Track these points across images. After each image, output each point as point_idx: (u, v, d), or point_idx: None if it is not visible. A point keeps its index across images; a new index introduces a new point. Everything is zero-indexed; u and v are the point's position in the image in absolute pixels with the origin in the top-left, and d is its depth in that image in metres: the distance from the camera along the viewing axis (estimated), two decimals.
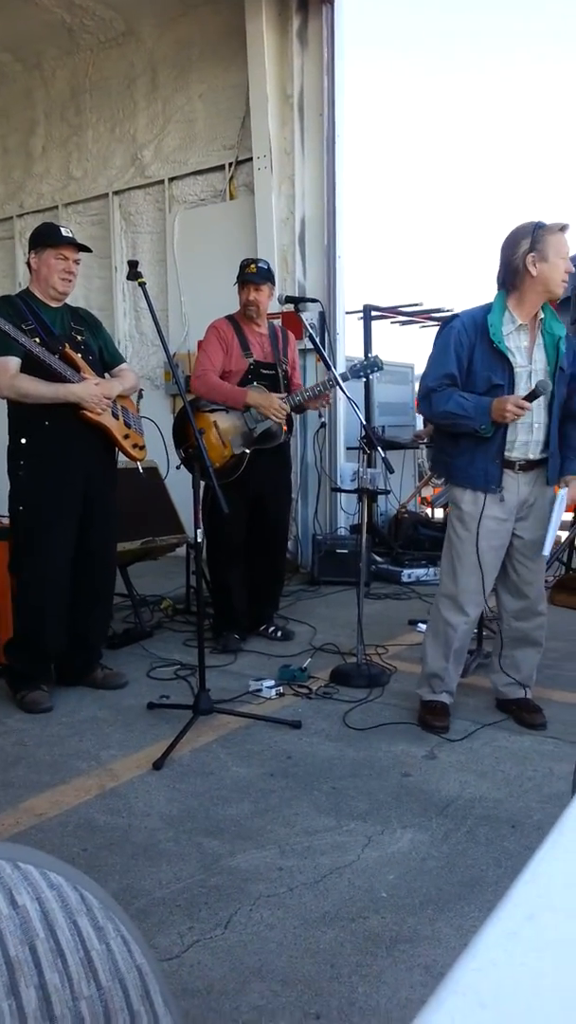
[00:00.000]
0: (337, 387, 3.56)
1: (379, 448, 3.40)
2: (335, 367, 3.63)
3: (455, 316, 2.76)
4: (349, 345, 6.11)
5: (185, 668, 3.46)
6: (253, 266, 3.83)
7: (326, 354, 3.74)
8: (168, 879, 1.89)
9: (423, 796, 2.30)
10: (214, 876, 1.90)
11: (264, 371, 3.80)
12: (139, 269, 2.90)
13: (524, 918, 0.55)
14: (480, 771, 2.47)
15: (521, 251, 2.59)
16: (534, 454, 2.69)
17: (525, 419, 2.61)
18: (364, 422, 3.60)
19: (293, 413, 3.84)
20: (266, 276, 3.83)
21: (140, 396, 4.06)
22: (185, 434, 3.67)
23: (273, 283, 3.91)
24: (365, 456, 3.55)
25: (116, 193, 6.78)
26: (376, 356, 3.80)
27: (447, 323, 2.74)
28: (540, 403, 2.63)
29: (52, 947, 0.58)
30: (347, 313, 6.06)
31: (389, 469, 3.35)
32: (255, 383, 3.73)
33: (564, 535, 5.25)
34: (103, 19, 6.38)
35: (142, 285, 2.87)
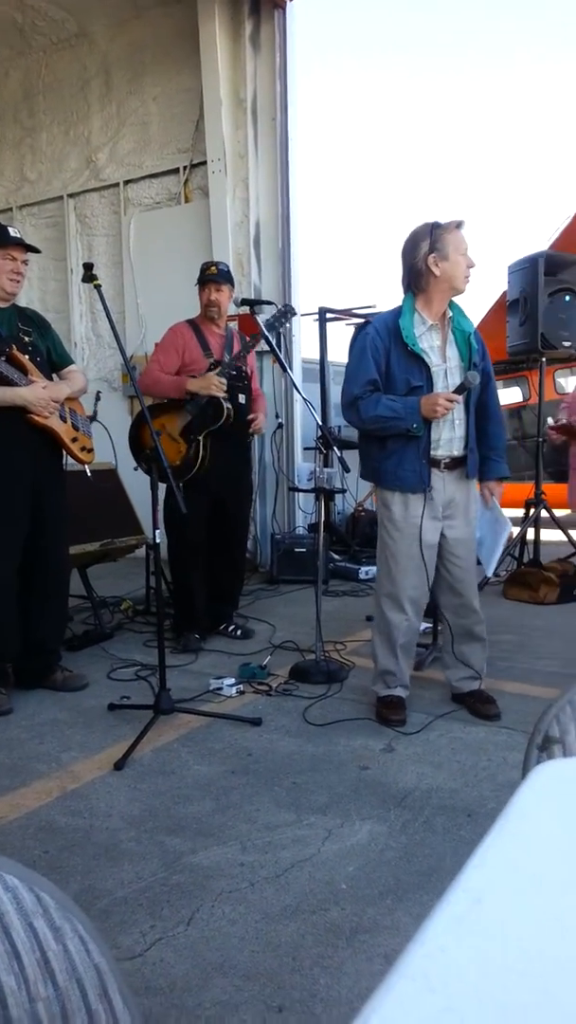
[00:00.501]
0: (294, 387, 3.60)
1: (335, 448, 3.44)
2: (291, 369, 3.66)
3: (366, 323, 2.82)
4: (304, 347, 6.16)
5: (145, 668, 3.46)
6: (214, 268, 3.87)
7: (282, 356, 3.77)
8: (130, 878, 1.90)
9: (381, 788, 2.35)
10: (176, 874, 1.92)
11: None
12: (94, 271, 2.89)
13: (471, 903, 0.58)
14: (436, 762, 2.53)
15: (422, 253, 2.65)
16: (457, 451, 2.74)
17: (448, 416, 2.67)
18: (320, 422, 3.64)
19: (234, 382, 3.77)
20: (227, 277, 3.87)
21: (98, 398, 4.04)
22: (141, 442, 3.67)
23: (232, 285, 3.94)
24: (322, 456, 3.58)
25: (71, 196, 6.75)
26: (289, 304, 3.85)
27: (360, 330, 2.80)
28: (459, 399, 2.69)
29: (7, 949, 0.59)
30: (302, 315, 6.10)
31: (345, 468, 3.39)
32: None
33: (516, 531, 5.37)
34: (55, 20, 6.33)
35: (98, 288, 2.87)
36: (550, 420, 3.21)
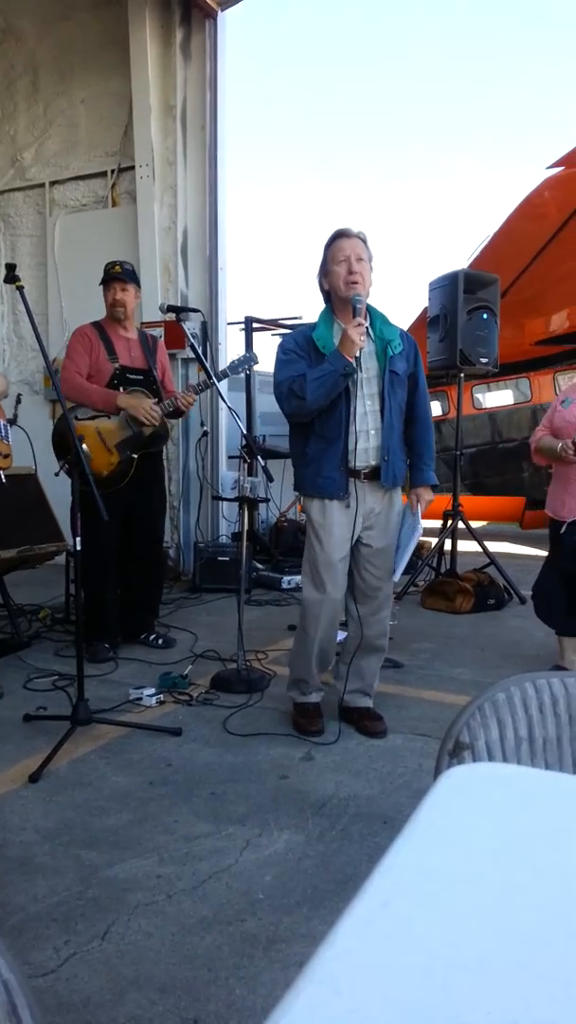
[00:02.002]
0: (219, 396, 3.60)
1: (260, 457, 3.47)
2: (216, 377, 3.65)
3: (284, 337, 2.88)
4: (230, 355, 6.17)
5: (64, 678, 3.39)
6: (118, 267, 3.78)
7: (208, 364, 3.77)
8: (44, 893, 1.87)
9: (300, 797, 2.37)
10: (91, 888, 1.89)
11: (131, 375, 3.75)
12: (17, 272, 2.83)
13: (379, 906, 0.59)
14: (354, 770, 2.56)
15: (319, 274, 2.79)
16: (374, 460, 2.76)
17: (363, 426, 2.71)
18: (245, 431, 3.65)
19: (170, 418, 3.83)
20: (131, 276, 3.79)
21: (19, 401, 3.97)
22: (65, 444, 3.59)
23: (138, 285, 3.86)
24: (246, 465, 3.59)
25: None
26: (252, 352, 3.84)
27: (280, 346, 2.82)
28: (374, 409, 2.73)
29: None
30: (229, 324, 6.12)
31: (269, 478, 3.42)
32: (122, 388, 3.69)
33: (433, 541, 5.50)
34: None
35: (20, 289, 2.81)
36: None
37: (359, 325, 2.58)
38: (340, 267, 2.69)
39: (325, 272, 2.76)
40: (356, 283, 2.67)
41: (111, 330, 3.78)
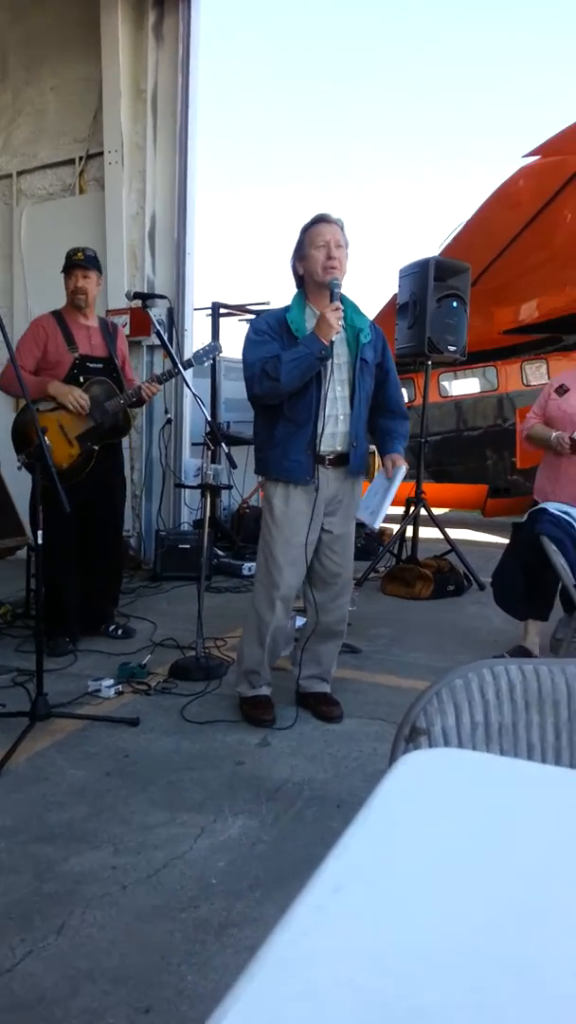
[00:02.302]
0: (184, 383, 3.56)
1: (223, 444, 3.44)
2: (182, 365, 3.61)
3: (256, 318, 2.85)
4: (197, 342, 6.11)
5: (23, 674, 3.33)
6: (80, 253, 3.70)
7: (173, 351, 3.72)
8: (0, 891, 1.83)
9: (255, 783, 2.36)
10: (47, 883, 1.86)
11: (91, 364, 3.68)
12: None
13: (332, 891, 0.59)
14: (310, 755, 2.56)
15: (293, 258, 2.76)
16: (341, 446, 2.75)
17: (331, 411, 2.70)
18: (209, 418, 3.62)
19: (132, 408, 3.77)
20: (94, 263, 3.71)
21: None
22: (25, 437, 3.51)
23: (100, 272, 3.79)
24: (209, 452, 3.56)
25: None
26: (216, 342, 3.79)
27: (251, 326, 2.80)
28: (344, 395, 2.72)
29: None
30: (195, 310, 6.07)
31: (232, 465, 3.39)
32: (82, 377, 3.62)
33: (395, 528, 5.53)
34: None
35: None
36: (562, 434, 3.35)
37: (336, 309, 2.57)
38: (319, 252, 2.67)
39: (301, 256, 2.72)
40: (335, 268, 2.66)
41: (71, 319, 3.71)
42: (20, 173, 6.21)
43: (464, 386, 9.52)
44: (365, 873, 0.62)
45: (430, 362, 5.34)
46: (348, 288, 2.75)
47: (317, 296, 2.73)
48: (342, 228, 2.72)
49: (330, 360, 2.65)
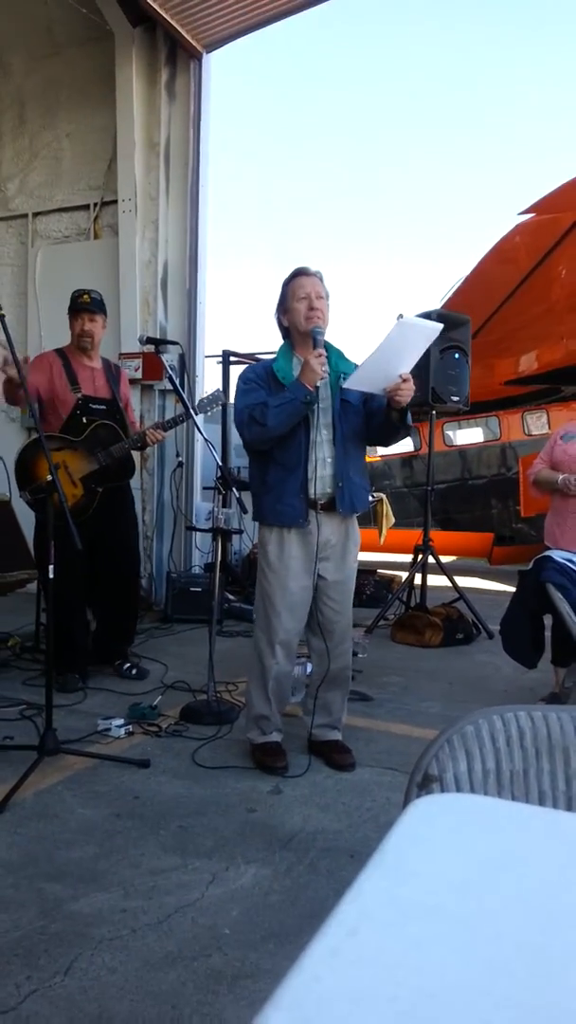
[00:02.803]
0: (195, 427, 3.62)
1: (234, 488, 3.49)
2: (194, 410, 3.68)
3: (246, 368, 2.93)
4: (207, 388, 6.22)
5: (32, 708, 3.35)
6: (87, 296, 3.75)
7: (185, 396, 3.79)
8: (6, 927, 1.83)
9: (267, 831, 2.35)
10: (55, 922, 1.86)
11: (94, 405, 3.72)
12: None
13: (346, 934, 0.60)
14: (323, 804, 2.55)
15: (278, 311, 2.86)
16: (330, 488, 2.78)
17: (319, 455, 2.75)
18: (220, 463, 3.67)
19: (136, 451, 3.81)
20: (100, 307, 3.77)
21: None
22: (29, 474, 3.56)
23: (106, 315, 3.84)
24: (220, 496, 3.61)
25: None
26: (219, 391, 3.85)
27: (240, 377, 2.88)
28: (329, 438, 2.77)
29: None
30: (206, 357, 6.19)
31: (243, 509, 3.43)
32: (84, 418, 3.66)
33: (403, 576, 5.54)
34: None
35: (1, 318, 2.81)
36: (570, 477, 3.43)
37: (320, 355, 2.63)
38: (301, 304, 2.76)
39: (285, 309, 2.83)
40: (317, 317, 2.74)
41: (75, 359, 3.76)
42: (36, 215, 6.41)
43: (468, 435, 9.62)
44: (379, 917, 0.63)
45: (434, 412, 5.42)
46: (336, 336, 2.84)
47: (302, 346, 2.81)
48: (321, 280, 2.81)
49: (316, 405, 2.71)
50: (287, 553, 2.78)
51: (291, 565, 2.77)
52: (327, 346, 2.79)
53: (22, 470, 3.62)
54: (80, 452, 3.62)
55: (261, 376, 2.80)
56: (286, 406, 2.64)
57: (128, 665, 3.96)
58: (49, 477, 2.73)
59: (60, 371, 3.69)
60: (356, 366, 2.81)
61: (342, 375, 2.78)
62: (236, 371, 6.83)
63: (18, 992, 1.61)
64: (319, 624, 2.87)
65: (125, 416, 3.83)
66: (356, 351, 2.87)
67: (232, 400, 2.89)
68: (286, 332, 2.89)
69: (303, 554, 2.78)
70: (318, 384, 2.64)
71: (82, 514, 3.57)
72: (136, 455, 3.98)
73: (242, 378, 2.86)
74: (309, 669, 3.03)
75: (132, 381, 4.96)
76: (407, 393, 2.66)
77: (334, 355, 2.84)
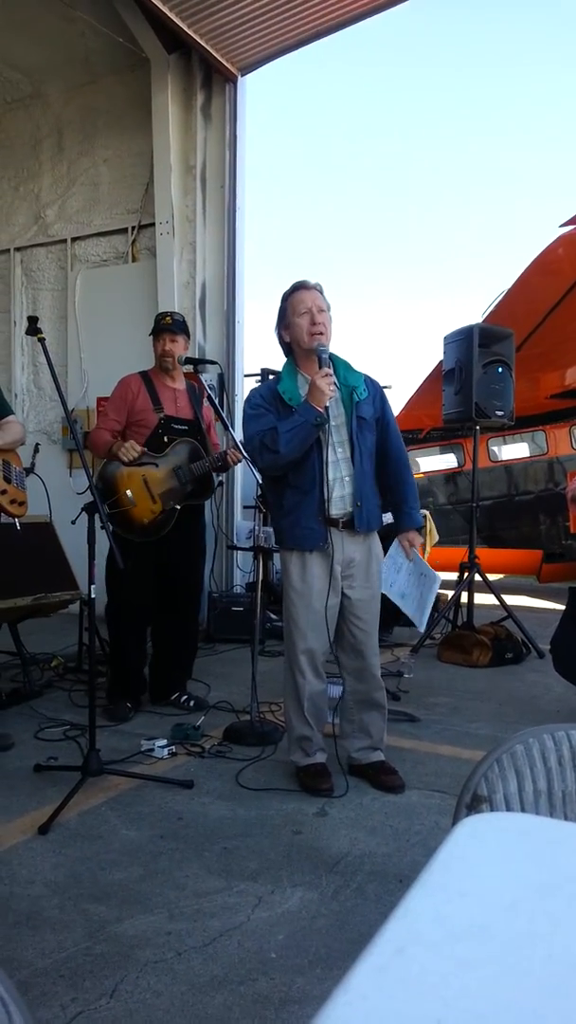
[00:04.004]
0: (237, 447, 3.60)
1: None
2: (233, 428, 3.69)
3: (251, 392, 2.90)
4: None
5: (75, 728, 3.37)
6: (168, 318, 3.79)
7: (224, 415, 3.81)
8: (51, 948, 1.83)
9: (314, 854, 2.32)
10: (100, 943, 1.85)
11: (176, 426, 3.69)
12: (39, 325, 2.88)
13: (394, 952, 0.59)
14: (370, 827, 2.51)
15: (278, 327, 2.81)
16: (349, 506, 2.75)
17: (336, 474, 2.72)
18: (260, 481, 3.66)
19: (217, 472, 3.79)
20: (182, 328, 3.79)
21: (36, 450, 4.02)
22: (110, 488, 3.55)
23: (188, 336, 3.85)
24: (261, 515, 3.60)
25: (18, 249, 6.80)
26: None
27: (247, 401, 2.86)
28: (345, 456, 2.74)
29: None
30: (245, 376, 6.23)
31: None
32: (166, 437, 3.64)
33: (450, 594, 5.47)
34: (10, 80, 6.48)
35: (42, 341, 2.85)
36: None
37: (326, 375, 2.61)
38: (302, 319, 2.73)
39: (286, 325, 2.79)
40: (321, 334, 2.71)
41: (157, 380, 3.76)
42: (75, 239, 6.55)
43: (513, 451, 9.48)
44: (427, 936, 0.62)
45: (478, 427, 5.36)
46: (339, 348, 2.83)
47: (306, 363, 2.78)
48: (321, 292, 2.78)
49: (328, 424, 2.69)
50: (310, 574, 2.75)
51: (314, 584, 2.74)
52: (333, 359, 2.77)
53: (105, 485, 3.58)
54: (161, 469, 3.61)
55: (268, 399, 2.77)
56: (297, 430, 2.61)
57: (185, 697, 3.82)
58: (132, 493, 2.72)
59: (142, 391, 3.70)
60: (365, 376, 2.83)
61: (355, 390, 2.77)
62: None
63: (64, 1014, 1.60)
64: (348, 643, 2.84)
65: (207, 437, 3.83)
66: (390, 375, 2.85)
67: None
68: (288, 348, 2.85)
69: (325, 573, 2.75)
70: (328, 404, 2.62)
71: (159, 531, 3.56)
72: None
73: (248, 403, 2.82)
74: (337, 691, 2.99)
75: None
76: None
77: (342, 368, 2.80)
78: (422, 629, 2.94)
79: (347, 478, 2.74)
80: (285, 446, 2.62)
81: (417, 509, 2.95)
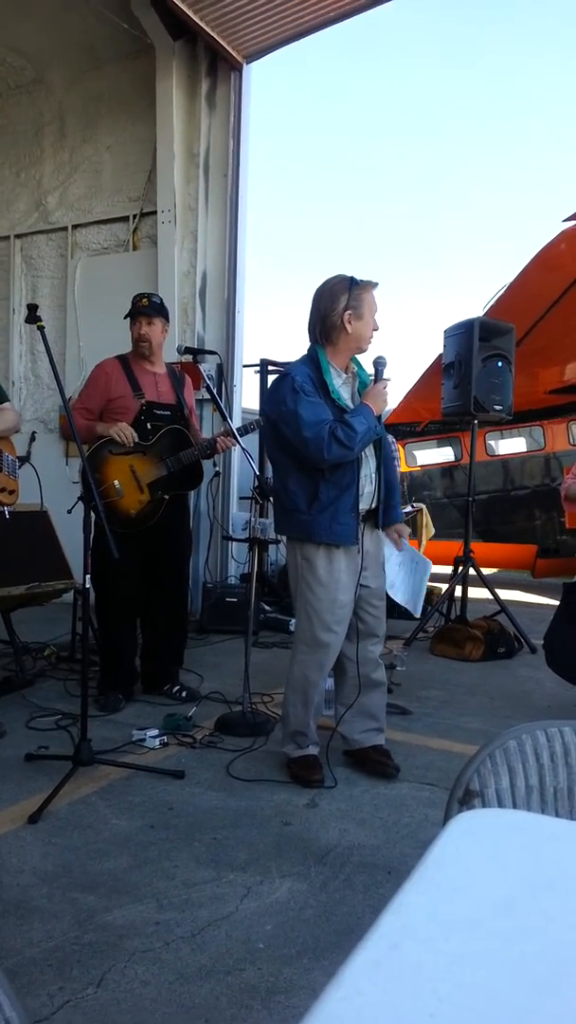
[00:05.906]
0: (233, 438, 3.59)
1: (271, 498, 3.47)
2: (231, 419, 3.66)
3: (286, 376, 2.74)
4: (245, 397, 6.25)
5: (67, 718, 3.36)
6: (145, 299, 3.65)
7: (223, 405, 3.79)
8: (40, 937, 1.82)
9: (303, 845, 2.32)
10: (88, 933, 1.85)
11: (158, 411, 3.62)
12: (38, 313, 2.84)
13: (388, 948, 0.58)
14: (359, 819, 2.51)
15: (339, 307, 2.66)
16: (372, 503, 2.79)
17: (365, 470, 2.74)
18: (257, 472, 3.66)
19: (203, 459, 3.73)
20: (158, 310, 3.65)
21: (33, 439, 4.00)
22: (96, 478, 3.53)
23: (167, 319, 3.72)
24: (257, 506, 3.60)
25: (18, 236, 6.75)
26: (260, 417, 3.79)
27: (283, 380, 2.73)
28: (371, 453, 2.78)
29: None
30: (244, 366, 6.20)
31: None
32: (149, 424, 3.58)
33: (444, 587, 5.47)
34: (13, 66, 6.43)
35: (41, 329, 2.81)
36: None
37: (386, 387, 2.71)
38: (372, 321, 2.73)
39: (358, 315, 2.67)
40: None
41: (136, 365, 3.65)
42: (75, 227, 6.50)
43: (511, 445, 9.49)
44: (421, 931, 0.61)
45: (476, 421, 5.36)
46: (392, 345, 2.84)
47: (342, 355, 2.76)
48: None
49: None
50: (336, 567, 2.75)
51: (340, 579, 2.75)
52: (354, 360, 2.82)
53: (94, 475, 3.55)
54: (149, 457, 3.56)
55: (308, 384, 2.68)
56: (369, 434, 2.64)
57: (178, 688, 3.80)
58: (119, 483, 2.74)
59: (120, 376, 3.60)
60: (370, 376, 2.83)
61: (367, 386, 2.82)
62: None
63: (51, 1003, 1.60)
64: (360, 632, 2.87)
65: (190, 423, 3.77)
66: (389, 368, 2.84)
67: (280, 405, 2.69)
68: (327, 331, 2.71)
69: (350, 567, 2.76)
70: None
71: (147, 520, 3.53)
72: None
73: (297, 386, 2.64)
74: (329, 684, 2.99)
75: None
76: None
77: (359, 367, 2.86)
78: (417, 614, 2.96)
79: (373, 474, 2.79)
80: (359, 445, 2.63)
81: (400, 505, 3.04)
